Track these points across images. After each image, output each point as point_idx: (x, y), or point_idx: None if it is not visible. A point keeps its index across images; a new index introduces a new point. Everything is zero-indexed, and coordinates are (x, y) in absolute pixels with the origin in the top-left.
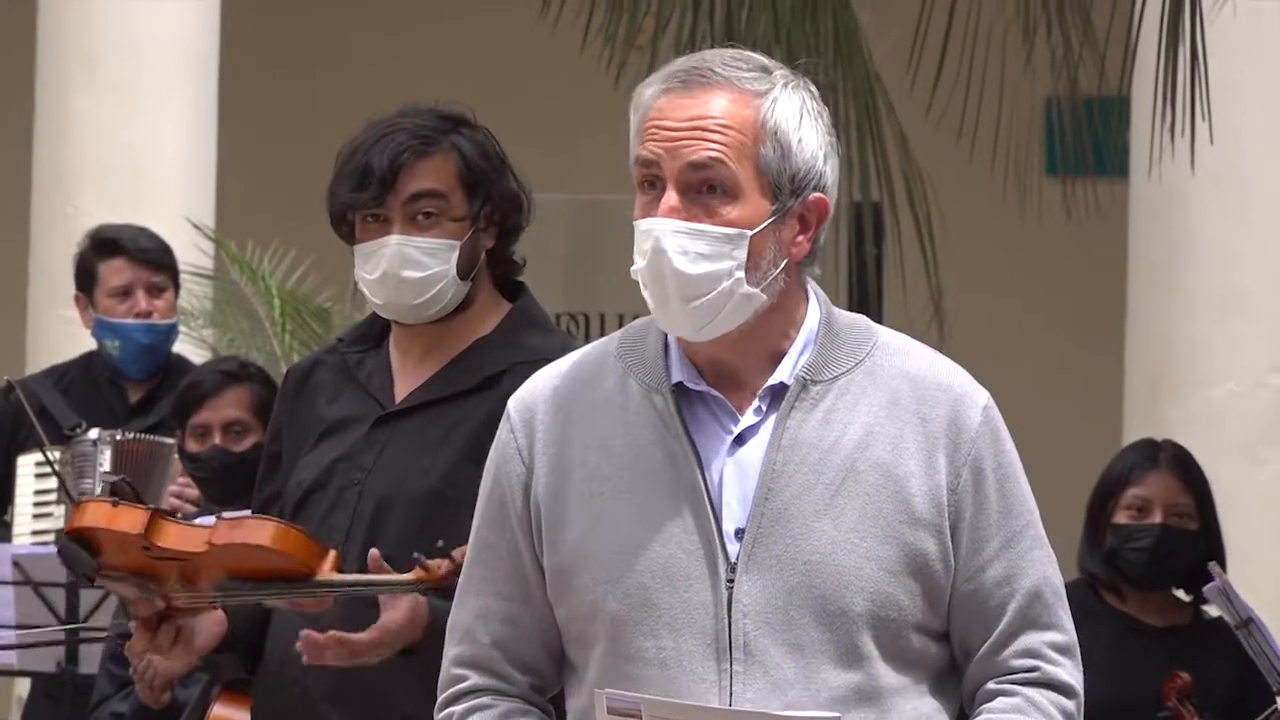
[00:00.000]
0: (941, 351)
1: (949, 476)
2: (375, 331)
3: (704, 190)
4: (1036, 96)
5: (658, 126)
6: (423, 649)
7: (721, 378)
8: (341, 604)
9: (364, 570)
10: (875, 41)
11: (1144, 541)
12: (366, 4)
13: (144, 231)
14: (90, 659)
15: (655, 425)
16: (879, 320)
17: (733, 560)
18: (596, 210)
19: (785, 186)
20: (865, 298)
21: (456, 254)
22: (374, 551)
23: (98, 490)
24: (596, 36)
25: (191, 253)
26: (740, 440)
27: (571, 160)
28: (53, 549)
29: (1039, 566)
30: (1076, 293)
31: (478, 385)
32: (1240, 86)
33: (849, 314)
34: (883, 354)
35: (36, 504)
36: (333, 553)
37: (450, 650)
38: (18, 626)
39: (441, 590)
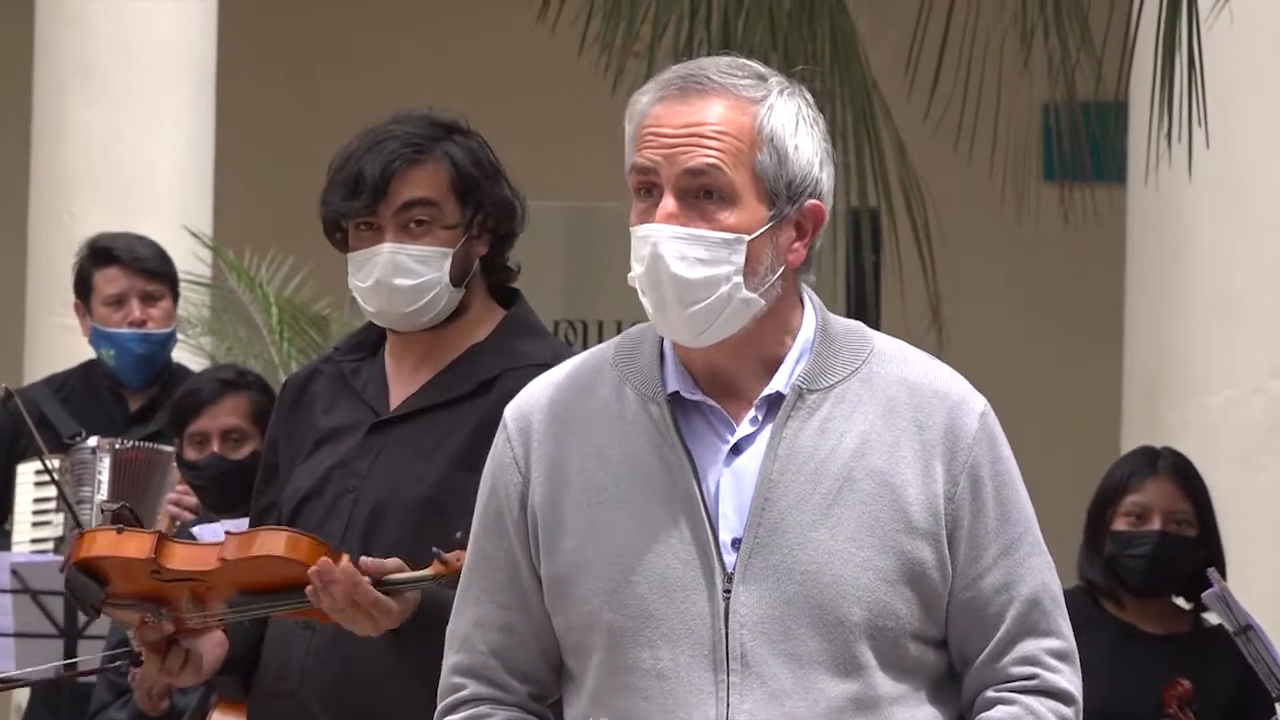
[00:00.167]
0: (940, 358)
1: (946, 484)
2: (371, 339)
3: (701, 196)
4: (1034, 102)
5: (654, 134)
6: (411, 631)
7: (718, 387)
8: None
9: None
10: (872, 47)
11: (1143, 548)
12: (366, 8)
13: (141, 240)
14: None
15: (651, 435)
16: (877, 327)
17: (729, 571)
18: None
19: (782, 193)
20: (863, 304)
21: (449, 261)
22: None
23: (97, 499)
24: (593, 43)
25: (189, 260)
26: (737, 450)
27: (569, 167)
28: (51, 557)
29: (1037, 573)
30: (1074, 298)
31: (471, 392)
32: (1237, 92)
33: (845, 321)
34: (879, 361)
35: (36, 512)
36: (345, 557)
37: (449, 659)
38: (16, 634)
39: None
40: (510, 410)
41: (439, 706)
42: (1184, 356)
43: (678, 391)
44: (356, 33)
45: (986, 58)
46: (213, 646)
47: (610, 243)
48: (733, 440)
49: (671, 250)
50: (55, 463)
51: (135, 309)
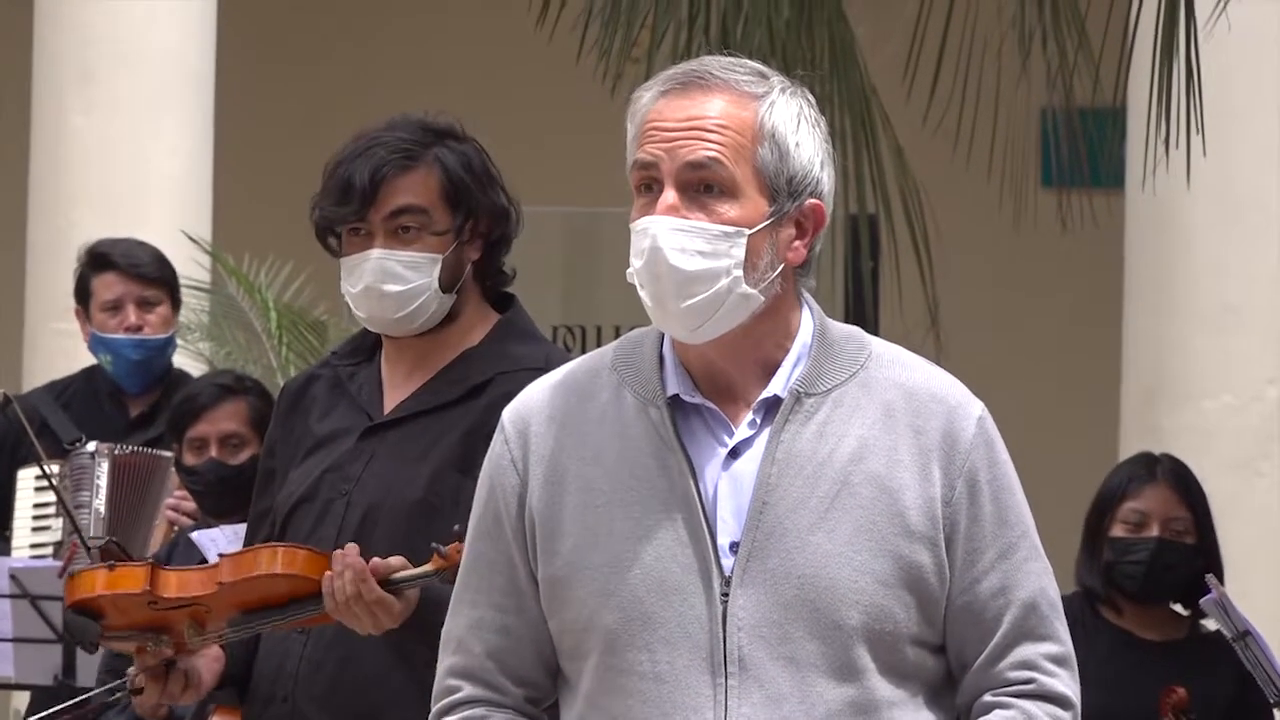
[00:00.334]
0: (938, 363)
1: (944, 489)
2: (368, 344)
3: (701, 190)
4: (1032, 108)
5: (656, 128)
6: (409, 630)
7: (716, 390)
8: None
9: None
10: (871, 54)
11: (1141, 555)
12: (364, 15)
13: (141, 246)
14: (87, 671)
15: (650, 438)
16: (875, 333)
17: (727, 574)
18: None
19: (783, 189)
20: (862, 310)
21: (439, 267)
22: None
23: (96, 504)
24: (592, 49)
25: (188, 266)
26: (735, 453)
27: (568, 173)
28: (50, 562)
29: (1035, 578)
30: (1072, 304)
31: (463, 396)
32: (1235, 99)
33: (843, 325)
34: (877, 366)
35: (35, 517)
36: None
37: (444, 661)
38: (15, 640)
39: None
40: (508, 413)
41: (434, 708)
42: (1182, 363)
43: (677, 395)
44: (354, 40)
45: (984, 63)
46: (210, 662)
47: (608, 248)
48: (731, 443)
49: (671, 242)
50: (54, 468)
51: (131, 315)
